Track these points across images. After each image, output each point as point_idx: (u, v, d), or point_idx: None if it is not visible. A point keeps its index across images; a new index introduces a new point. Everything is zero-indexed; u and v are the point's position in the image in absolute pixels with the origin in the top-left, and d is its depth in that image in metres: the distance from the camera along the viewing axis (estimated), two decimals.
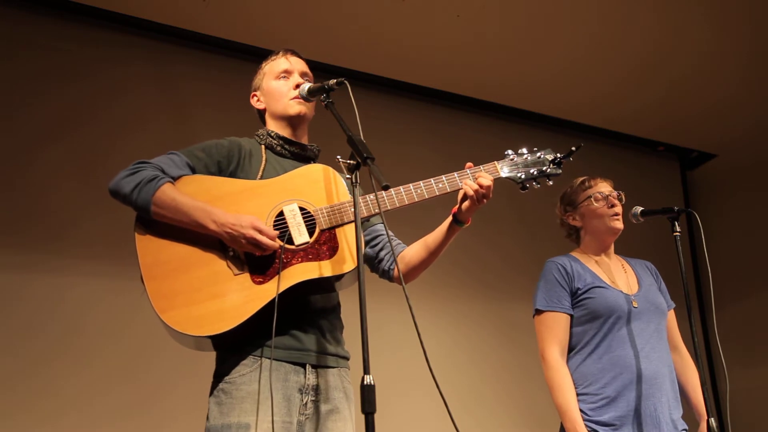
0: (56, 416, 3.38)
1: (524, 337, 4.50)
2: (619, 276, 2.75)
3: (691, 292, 2.71)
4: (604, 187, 2.81)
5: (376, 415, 1.68)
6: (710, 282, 2.80)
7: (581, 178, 2.87)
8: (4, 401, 3.31)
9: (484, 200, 2.12)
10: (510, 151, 2.25)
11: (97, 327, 3.57)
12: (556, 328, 2.65)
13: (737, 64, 4.67)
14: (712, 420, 2.49)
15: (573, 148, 2.23)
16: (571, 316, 2.67)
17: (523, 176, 2.22)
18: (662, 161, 5.88)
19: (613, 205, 2.76)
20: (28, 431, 3.33)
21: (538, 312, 2.70)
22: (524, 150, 2.26)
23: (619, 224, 2.76)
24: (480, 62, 4.60)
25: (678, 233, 2.72)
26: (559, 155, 2.25)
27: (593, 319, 2.64)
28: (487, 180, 2.12)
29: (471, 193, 2.10)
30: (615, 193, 2.79)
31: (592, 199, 2.77)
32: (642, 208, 2.80)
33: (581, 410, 2.55)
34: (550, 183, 2.27)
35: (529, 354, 4.46)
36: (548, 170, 2.24)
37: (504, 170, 2.21)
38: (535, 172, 2.23)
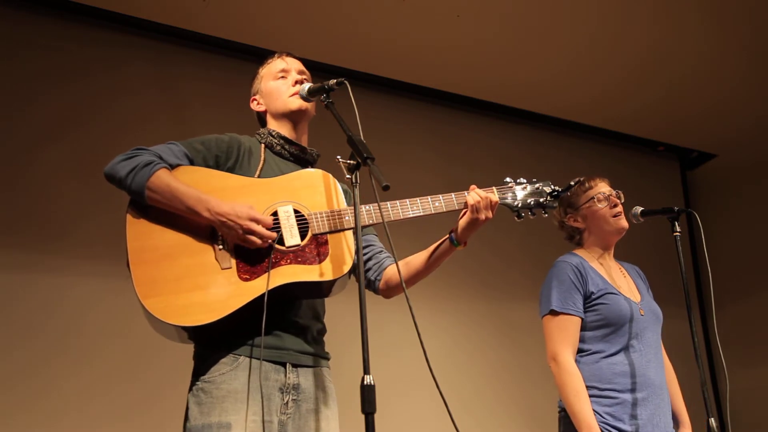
0: (56, 416, 3.38)
1: (524, 337, 4.51)
2: (620, 281, 2.75)
3: (691, 292, 2.71)
4: (603, 187, 2.80)
5: (376, 415, 1.68)
6: (710, 282, 2.80)
7: (579, 179, 2.86)
8: (4, 401, 3.30)
9: (483, 215, 2.12)
10: (509, 179, 2.28)
11: (97, 327, 3.57)
12: (569, 330, 2.61)
13: (737, 64, 4.67)
14: (712, 420, 2.49)
15: (572, 183, 2.30)
16: (582, 319, 2.64)
17: (519, 205, 2.25)
18: (662, 161, 5.88)
19: (615, 205, 2.76)
20: (28, 431, 3.33)
21: (553, 312, 2.63)
22: (523, 179, 2.29)
23: (624, 223, 2.75)
24: (480, 62, 4.60)
25: (678, 233, 2.72)
26: (557, 189, 2.28)
27: (606, 326, 2.61)
28: (486, 193, 2.14)
29: (472, 202, 2.11)
30: (615, 193, 2.79)
31: (594, 200, 2.76)
32: (642, 208, 2.80)
33: (595, 411, 2.51)
34: (545, 215, 2.30)
35: (529, 354, 4.47)
36: (545, 202, 2.26)
37: (502, 196, 2.23)
38: (532, 203, 2.26)
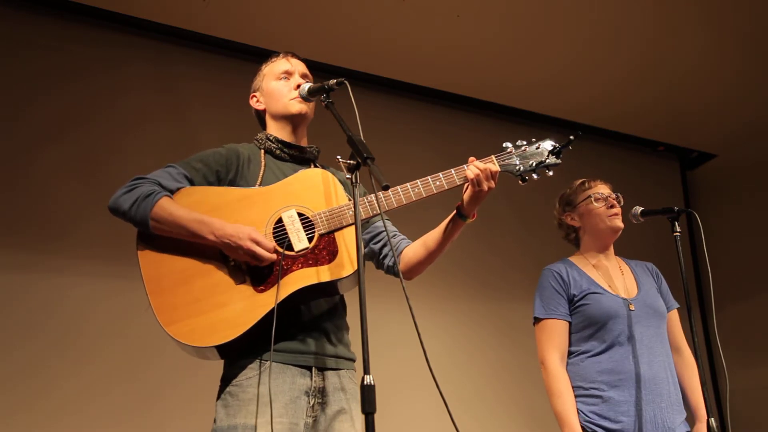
0: (56, 416, 3.38)
1: (524, 337, 4.48)
2: (617, 279, 2.75)
3: (691, 292, 2.71)
4: (603, 189, 2.82)
5: (376, 415, 1.68)
6: (710, 282, 2.80)
7: (580, 180, 2.87)
8: (4, 401, 3.30)
9: (486, 186, 2.09)
10: (508, 144, 2.23)
11: (97, 327, 3.57)
12: (555, 335, 2.66)
13: (737, 64, 4.67)
14: (712, 420, 2.49)
15: (571, 137, 2.22)
16: (569, 322, 2.68)
17: (522, 168, 2.19)
18: (662, 161, 5.88)
19: (612, 206, 2.76)
20: (28, 431, 3.33)
21: (537, 320, 2.72)
22: (523, 142, 2.24)
23: (619, 222, 2.76)
24: (480, 62, 4.60)
25: (678, 233, 2.72)
26: (557, 145, 2.23)
27: (590, 325, 2.64)
28: (484, 164, 2.11)
29: (471, 176, 2.09)
30: (614, 195, 2.79)
31: (591, 198, 2.77)
32: (642, 208, 2.80)
33: (581, 411, 2.55)
34: (550, 173, 2.24)
35: (528, 354, 4.44)
36: (547, 161, 2.21)
37: (502, 163, 2.19)
38: (534, 164, 2.20)
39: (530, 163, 2.20)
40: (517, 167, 2.19)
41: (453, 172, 2.14)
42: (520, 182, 2.21)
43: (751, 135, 5.34)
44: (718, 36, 4.43)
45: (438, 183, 2.13)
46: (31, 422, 3.33)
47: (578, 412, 2.55)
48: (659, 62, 4.64)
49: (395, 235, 2.32)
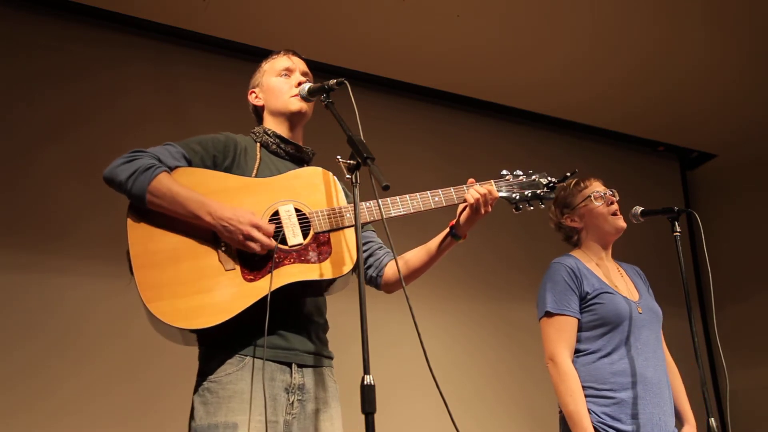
0: (56, 416, 3.38)
1: (524, 337, 4.51)
2: (618, 281, 2.74)
3: (691, 292, 2.71)
4: (598, 187, 2.81)
5: (376, 415, 1.68)
6: (710, 282, 2.80)
7: (574, 180, 2.86)
8: (4, 401, 3.30)
9: (482, 210, 2.15)
10: (506, 171, 2.30)
11: (97, 327, 3.57)
12: (565, 331, 2.61)
13: (737, 64, 4.67)
14: (712, 420, 2.49)
15: (567, 174, 2.32)
16: (579, 320, 2.64)
17: (517, 197, 2.28)
18: (662, 161, 5.88)
19: (611, 203, 2.77)
20: (28, 431, 3.33)
21: (548, 314, 2.64)
22: (520, 171, 2.32)
23: (623, 222, 2.76)
24: (480, 62, 4.60)
25: (678, 233, 2.72)
26: (553, 180, 2.31)
27: (602, 325, 2.61)
28: (485, 189, 2.16)
29: (471, 201, 2.13)
30: (610, 191, 2.80)
31: (591, 198, 2.77)
32: (642, 208, 2.80)
33: (593, 411, 2.53)
34: (542, 206, 2.32)
35: (529, 353, 4.47)
36: (542, 193, 2.29)
37: (499, 189, 2.25)
38: (529, 194, 2.29)
39: (525, 193, 2.29)
40: (514, 195, 2.28)
41: (452, 191, 2.19)
42: (513, 210, 2.29)
43: (751, 135, 5.34)
44: (718, 36, 4.43)
45: (437, 199, 2.17)
46: (31, 422, 3.33)
47: (589, 412, 2.52)
48: (659, 62, 4.64)
49: (381, 246, 2.33)
